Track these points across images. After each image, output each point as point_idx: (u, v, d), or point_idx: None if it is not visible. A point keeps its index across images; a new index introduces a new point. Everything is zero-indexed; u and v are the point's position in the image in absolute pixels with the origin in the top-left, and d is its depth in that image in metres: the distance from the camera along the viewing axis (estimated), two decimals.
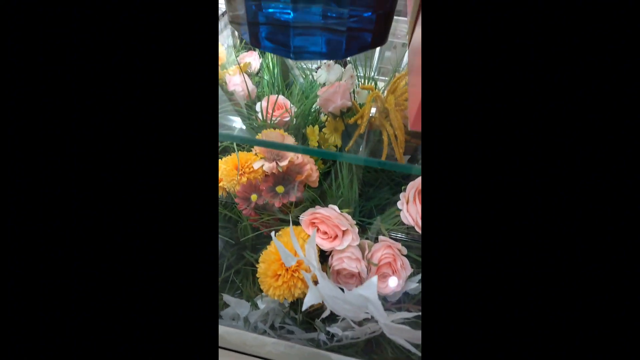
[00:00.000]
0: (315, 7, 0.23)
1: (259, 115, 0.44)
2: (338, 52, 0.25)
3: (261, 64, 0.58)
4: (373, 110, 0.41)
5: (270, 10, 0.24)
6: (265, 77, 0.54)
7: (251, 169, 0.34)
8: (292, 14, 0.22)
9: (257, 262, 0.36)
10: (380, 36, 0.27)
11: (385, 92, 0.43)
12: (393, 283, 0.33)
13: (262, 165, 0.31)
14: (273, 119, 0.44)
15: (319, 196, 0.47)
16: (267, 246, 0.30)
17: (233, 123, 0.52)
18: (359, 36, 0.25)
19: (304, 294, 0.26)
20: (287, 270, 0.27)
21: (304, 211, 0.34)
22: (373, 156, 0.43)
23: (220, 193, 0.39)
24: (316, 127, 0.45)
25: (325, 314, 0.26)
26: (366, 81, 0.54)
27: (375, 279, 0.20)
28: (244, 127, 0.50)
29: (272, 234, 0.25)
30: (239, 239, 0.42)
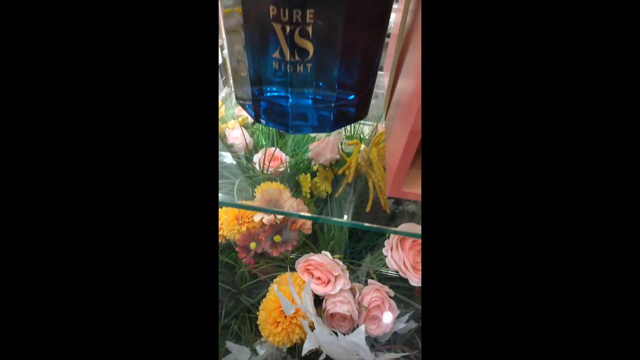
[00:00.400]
0: (307, 90, 0.28)
1: (257, 166, 0.49)
2: (327, 126, 0.30)
3: None
4: (362, 146, 0.47)
5: (268, 94, 0.29)
6: (261, 127, 0.60)
7: (250, 219, 0.38)
8: (290, 100, 0.27)
9: (254, 307, 0.38)
10: (362, 110, 0.32)
11: (370, 144, 0.48)
12: (387, 318, 0.35)
13: (262, 218, 0.35)
14: (269, 170, 0.48)
15: (312, 236, 0.50)
16: (267, 294, 0.33)
17: (224, 158, 0.56)
18: (344, 111, 0.31)
19: (301, 339, 0.28)
20: (285, 317, 0.29)
21: (298, 256, 0.37)
22: (361, 200, 0.47)
23: (219, 241, 0.42)
24: (308, 175, 0.50)
25: (322, 357, 0.29)
26: (352, 127, 0.60)
27: (363, 327, 0.23)
28: (234, 161, 0.55)
29: (275, 287, 0.28)
30: (235, 284, 0.44)
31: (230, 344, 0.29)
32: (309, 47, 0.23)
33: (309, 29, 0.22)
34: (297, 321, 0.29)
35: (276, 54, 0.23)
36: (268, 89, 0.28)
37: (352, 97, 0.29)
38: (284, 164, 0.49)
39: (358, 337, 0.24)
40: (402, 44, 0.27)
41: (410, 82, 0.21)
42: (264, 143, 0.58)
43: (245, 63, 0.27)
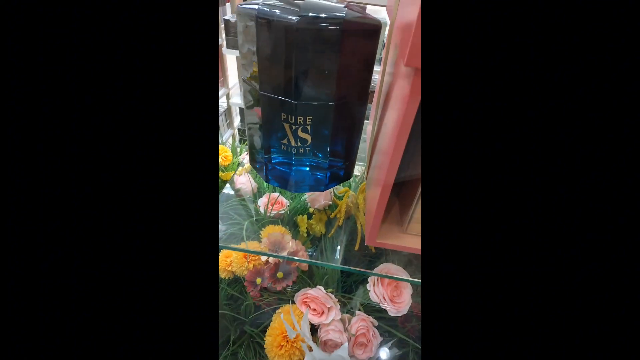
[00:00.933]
0: (306, 159, 0.37)
1: (260, 208, 0.57)
2: (321, 185, 0.39)
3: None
4: (351, 193, 0.55)
5: (274, 161, 0.37)
6: None
7: (257, 258, 0.45)
8: (293, 168, 0.36)
9: (258, 335, 0.44)
10: (349, 172, 0.41)
11: (357, 190, 0.57)
12: (384, 355, 0.41)
13: (268, 258, 0.42)
14: (271, 212, 0.56)
15: (308, 271, 0.57)
16: (272, 322, 0.40)
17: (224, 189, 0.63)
18: (335, 173, 0.39)
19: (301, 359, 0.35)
20: (288, 342, 0.35)
21: (297, 290, 0.44)
22: (350, 239, 0.55)
23: (228, 276, 0.49)
24: (305, 216, 0.58)
25: None
26: None
27: (346, 344, 0.30)
28: (232, 192, 0.62)
29: (281, 315, 0.35)
30: (239, 314, 0.50)
31: None
32: (308, 138, 0.32)
33: (308, 127, 0.31)
34: (298, 345, 0.36)
35: (284, 141, 0.32)
36: (275, 158, 0.37)
37: (340, 163, 0.38)
38: (285, 208, 0.57)
39: (342, 351, 0.31)
40: (383, 100, 0.35)
41: (387, 138, 0.27)
42: (265, 186, 0.66)
43: (259, 140, 0.36)
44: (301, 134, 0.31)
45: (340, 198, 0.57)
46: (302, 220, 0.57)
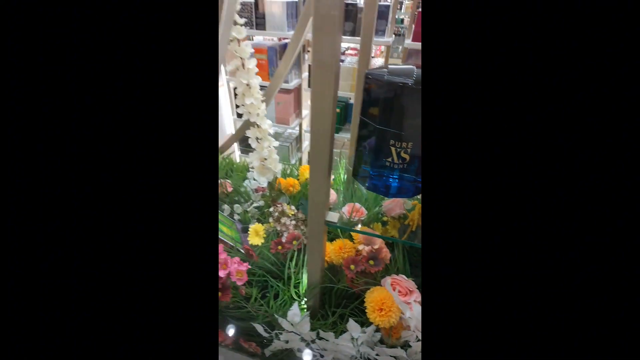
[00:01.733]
0: (399, 173, 0.50)
1: (345, 215, 0.71)
2: (409, 194, 0.52)
3: (334, 178, 0.89)
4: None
5: (374, 174, 0.51)
6: (341, 188, 0.83)
7: (350, 249, 0.58)
8: (391, 180, 0.50)
9: (346, 314, 0.56)
10: None
11: None
12: None
13: (364, 248, 0.55)
14: (354, 219, 0.70)
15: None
16: (370, 295, 0.52)
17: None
18: (418, 187, 0.52)
19: (395, 322, 0.46)
20: (386, 306, 0.47)
21: (383, 276, 0.56)
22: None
23: (325, 265, 0.62)
24: (379, 223, 0.70)
25: (405, 335, 0.45)
26: None
27: None
28: None
29: (384, 280, 0.47)
30: (336, 292, 0.63)
31: (350, 323, 0.47)
32: (407, 157, 0.45)
33: (408, 150, 0.44)
34: (393, 309, 0.47)
35: (389, 159, 0.46)
36: (376, 172, 0.51)
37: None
38: (364, 216, 0.70)
39: None
40: None
41: None
42: (342, 199, 0.81)
43: (366, 158, 0.51)
44: (403, 155, 0.45)
45: (410, 210, 0.69)
46: (377, 226, 0.70)
